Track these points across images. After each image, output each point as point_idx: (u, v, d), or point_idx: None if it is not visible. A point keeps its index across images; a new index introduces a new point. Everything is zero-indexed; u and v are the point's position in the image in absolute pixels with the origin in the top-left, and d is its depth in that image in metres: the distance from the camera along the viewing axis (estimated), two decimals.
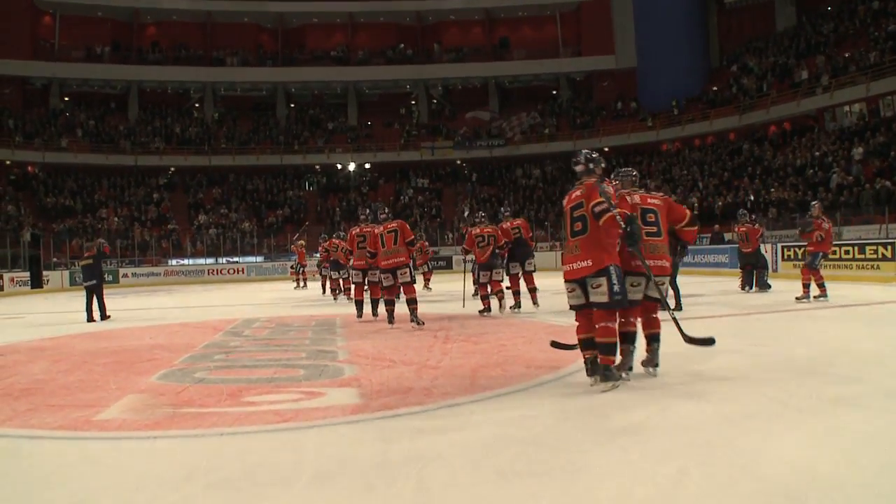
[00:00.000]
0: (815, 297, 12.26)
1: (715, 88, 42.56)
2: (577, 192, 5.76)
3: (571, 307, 5.63)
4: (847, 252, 19.22)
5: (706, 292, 15.43)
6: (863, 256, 18.69)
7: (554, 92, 50.42)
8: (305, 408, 4.82)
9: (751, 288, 15.71)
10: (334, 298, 17.14)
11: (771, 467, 3.39)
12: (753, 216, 18.26)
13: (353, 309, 11.96)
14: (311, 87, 50.15)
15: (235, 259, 35.96)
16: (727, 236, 26.73)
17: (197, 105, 48.61)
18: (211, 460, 3.78)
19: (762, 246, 17.09)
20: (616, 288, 5.19)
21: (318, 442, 4.06)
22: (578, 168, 5.90)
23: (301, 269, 25.07)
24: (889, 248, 17.97)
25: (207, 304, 17.22)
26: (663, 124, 42.19)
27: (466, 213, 23.10)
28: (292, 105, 50.18)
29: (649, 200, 6.10)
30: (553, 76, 49.81)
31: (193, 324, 11.70)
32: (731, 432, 4.01)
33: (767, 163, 34.27)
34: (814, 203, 13.31)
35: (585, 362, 5.46)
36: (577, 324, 5.56)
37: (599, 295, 5.27)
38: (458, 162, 46.54)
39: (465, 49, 49.36)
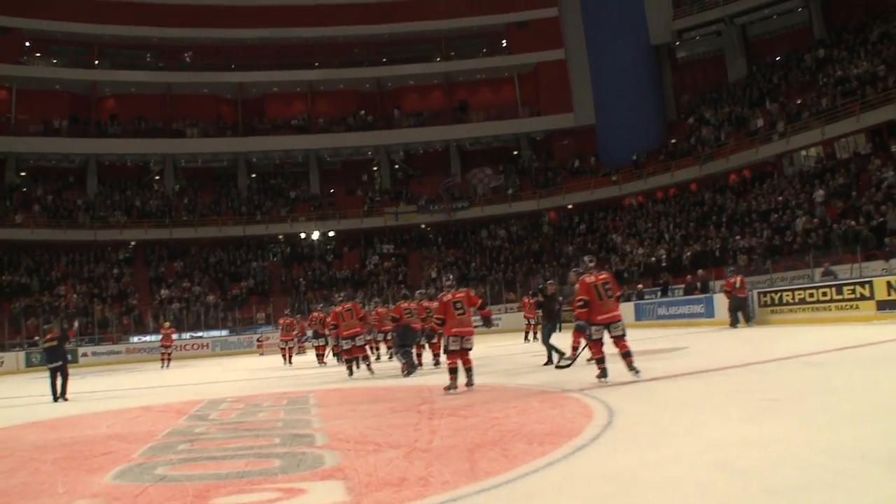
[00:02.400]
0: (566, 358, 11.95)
1: (674, 141, 43.00)
2: (605, 275, 9.84)
3: (596, 339, 9.56)
4: (825, 294, 19.00)
5: (689, 344, 14.92)
6: (841, 297, 18.49)
7: (515, 152, 50.54)
8: None
9: (736, 325, 20.27)
10: (320, 363, 19.20)
11: None
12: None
13: (321, 382, 13.48)
14: (273, 157, 49.65)
15: (200, 334, 34.87)
16: (717, 284, 26.54)
17: (157, 177, 47.82)
18: None
19: None
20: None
21: None
22: (593, 264, 10.11)
23: (166, 350, 26.37)
24: (867, 286, 17.78)
25: (171, 384, 16.29)
26: (625, 179, 42.35)
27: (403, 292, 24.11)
28: (254, 175, 49.56)
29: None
30: (513, 136, 49.98)
31: (156, 407, 10.84)
32: None
33: (731, 211, 34.40)
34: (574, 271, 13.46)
35: (602, 371, 9.50)
36: (593, 350, 9.67)
37: (619, 330, 9.55)
38: (423, 226, 46.14)
39: (426, 113, 49.42)
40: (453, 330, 10.07)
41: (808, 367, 9.39)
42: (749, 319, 20.52)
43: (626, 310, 27.07)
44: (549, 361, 12.79)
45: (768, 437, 5.14)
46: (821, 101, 34.44)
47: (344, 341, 14.24)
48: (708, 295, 24.62)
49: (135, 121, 46.17)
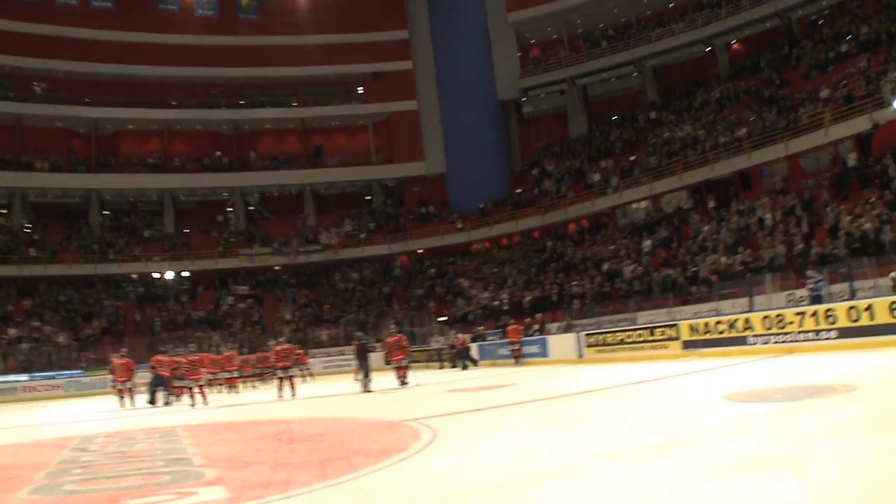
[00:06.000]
0: None
1: (519, 191, 45.74)
2: (398, 337, 20.54)
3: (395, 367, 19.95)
4: (640, 335, 21.52)
5: (517, 381, 16.85)
6: (653, 338, 21.00)
7: (368, 197, 52.25)
8: None
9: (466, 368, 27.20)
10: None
11: None
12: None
13: (186, 416, 14.33)
14: (127, 195, 49.05)
15: (52, 374, 34.26)
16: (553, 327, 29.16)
17: (4, 212, 46.31)
18: None
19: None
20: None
21: None
22: (394, 329, 22.07)
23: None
24: (674, 328, 20.37)
25: (32, 423, 16.71)
26: (473, 226, 44.70)
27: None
28: (106, 213, 48.79)
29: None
30: (366, 182, 51.78)
31: (30, 443, 11.58)
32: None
33: (569, 258, 37.09)
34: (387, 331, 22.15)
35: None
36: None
37: (403, 364, 19.94)
38: (277, 268, 46.92)
39: (281, 157, 50.51)
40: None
41: (604, 398, 11.40)
42: (465, 367, 27.42)
43: (471, 350, 29.18)
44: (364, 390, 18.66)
45: (537, 445, 7.04)
46: (650, 159, 37.95)
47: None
48: (543, 336, 26.92)
49: None
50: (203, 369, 20.58)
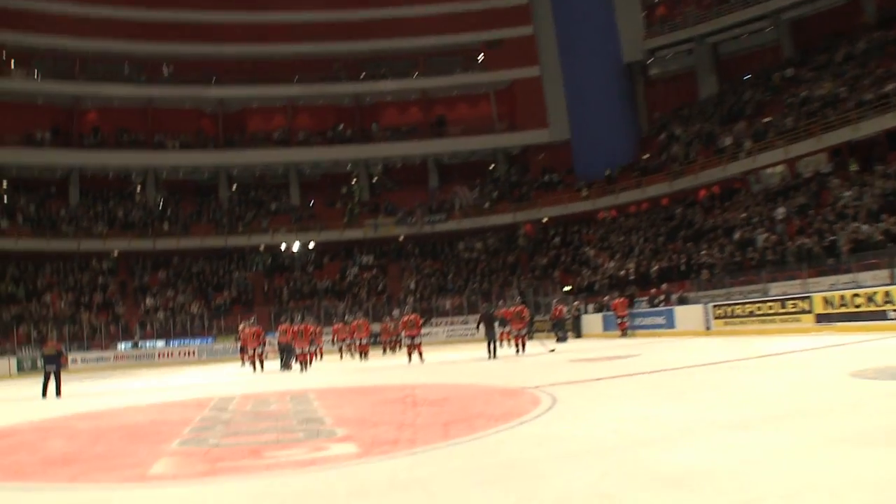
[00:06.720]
0: None
1: (646, 156, 44.31)
2: (520, 308, 21.64)
3: (515, 335, 20.92)
4: (771, 308, 20.90)
5: (642, 352, 16.75)
6: (784, 311, 20.35)
7: (491, 166, 52.29)
8: (318, 458, 5.92)
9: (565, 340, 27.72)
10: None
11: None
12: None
13: (316, 380, 16.09)
14: (253, 169, 51.02)
15: (186, 341, 36.52)
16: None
17: (139, 189, 49.04)
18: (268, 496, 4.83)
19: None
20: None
21: (338, 477, 5.17)
22: (518, 300, 25.10)
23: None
24: (807, 300, 19.65)
25: (173, 386, 17.98)
26: (598, 193, 43.76)
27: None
28: (234, 187, 50.89)
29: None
30: (490, 151, 51.83)
31: (175, 402, 12.51)
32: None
33: (699, 226, 35.96)
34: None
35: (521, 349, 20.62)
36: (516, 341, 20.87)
37: (523, 333, 21.02)
38: (401, 238, 47.58)
39: (403, 128, 51.27)
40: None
41: (726, 370, 11.31)
42: (562, 339, 27.70)
43: (595, 320, 29.08)
44: (490, 357, 19.52)
45: (653, 413, 7.23)
46: (785, 120, 36.02)
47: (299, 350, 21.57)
48: (670, 308, 26.50)
49: (116, 133, 47.43)
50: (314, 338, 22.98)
